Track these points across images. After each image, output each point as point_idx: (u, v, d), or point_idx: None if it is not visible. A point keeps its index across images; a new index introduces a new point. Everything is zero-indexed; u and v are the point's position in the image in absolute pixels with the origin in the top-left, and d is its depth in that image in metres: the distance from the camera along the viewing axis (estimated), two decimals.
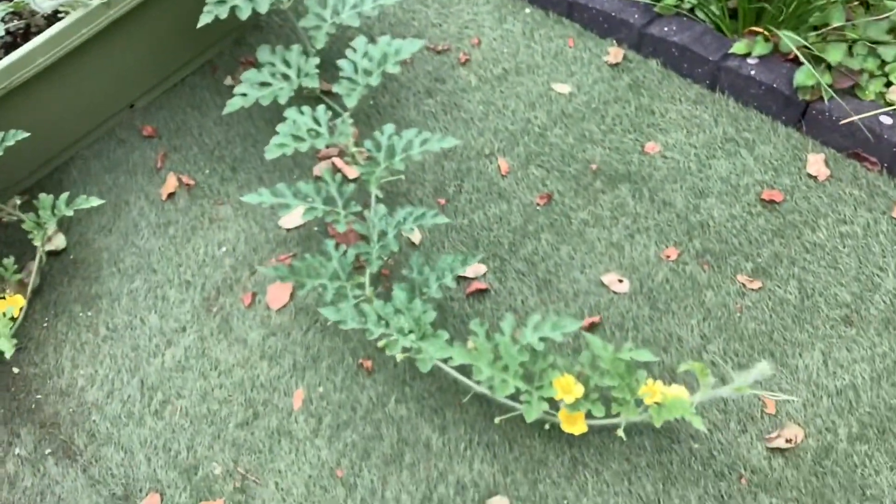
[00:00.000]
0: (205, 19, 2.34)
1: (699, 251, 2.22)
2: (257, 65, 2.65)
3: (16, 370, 2.11)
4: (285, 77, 2.43)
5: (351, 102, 2.34)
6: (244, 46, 2.83)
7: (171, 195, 2.47)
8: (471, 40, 2.74)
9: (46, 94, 2.33)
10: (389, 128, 2.24)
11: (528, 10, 2.80)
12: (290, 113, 2.32)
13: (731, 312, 2.10)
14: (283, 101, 2.36)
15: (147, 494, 1.90)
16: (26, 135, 2.09)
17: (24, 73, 2.20)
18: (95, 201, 2.15)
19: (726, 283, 2.15)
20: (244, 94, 2.37)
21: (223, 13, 2.36)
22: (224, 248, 2.34)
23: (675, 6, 2.59)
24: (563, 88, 2.59)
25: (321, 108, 2.33)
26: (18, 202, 2.30)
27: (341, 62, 2.41)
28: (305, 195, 2.19)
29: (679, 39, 2.53)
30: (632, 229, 2.27)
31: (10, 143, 2.05)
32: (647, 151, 2.42)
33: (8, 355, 1.92)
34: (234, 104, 2.34)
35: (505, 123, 2.53)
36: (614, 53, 2.64)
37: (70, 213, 2.14)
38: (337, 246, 2.09)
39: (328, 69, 2.57)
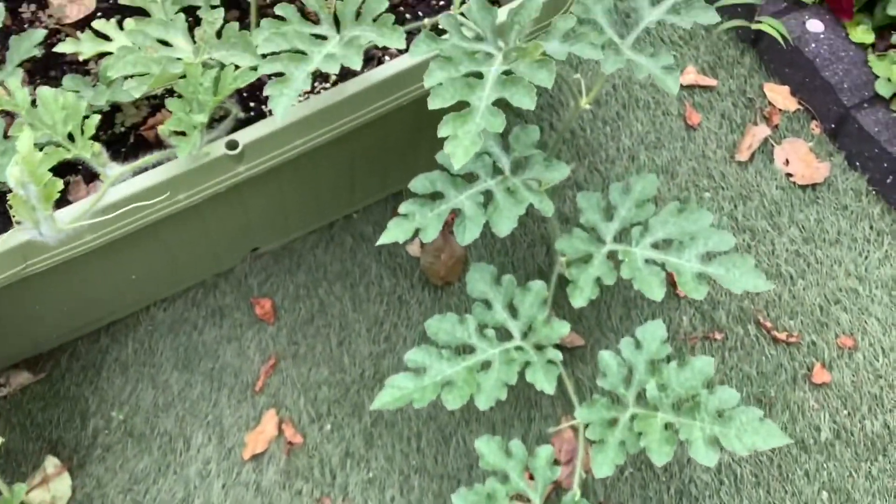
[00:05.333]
0: (385, 239, 1.26)
1: None
2: (455, 300, 1.59)
3: None
4: (503, 334, 1.35)
5: (604, 466, 1.23)
6: None
7: (256, 456, 1.47)
8: (839, 336, 1.53)
9: (108, 264, 1.34)
10: None
11: None
12: (488, 450, 1.25)
13: None
14: (484, 404, 1.28)
15: None
16: None
17: (71, 252, 1.21)
18: None
19: None
20: (421, 371, 1.30)
21: (403, 234, 1.27)
22: None
23: None
24: None
25: (545, 452, 1.24)
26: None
27: (604, 359, 1.29)
28: None
29: None
30: None
31: None
32: None
33: None
34: (392, 395, 1.28)
35: None
36: None
37: None
38: None
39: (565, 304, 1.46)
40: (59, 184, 0.93)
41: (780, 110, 1.76)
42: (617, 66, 1.26)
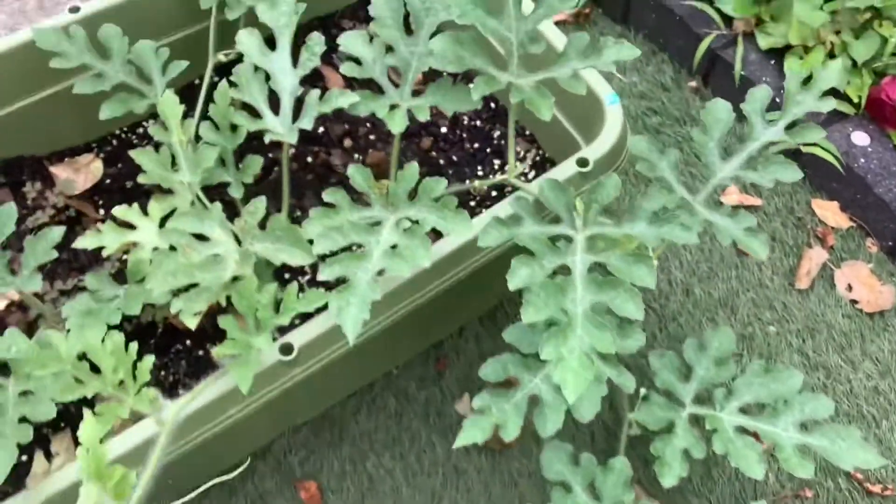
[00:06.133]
0: (462, 441, 1.13)
1: None
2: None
3: None
4: None
5: None
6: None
7: None
8: None
9: None
10: None
11: None
12: None
13: None
14: None
15: None
16: None
17: None
18: None
19: None
20: None
21: (482, 434, 1.15)
22: None
23: None
24: None
25: None
26: None
27: None
28: None
29: None
30: None
31: None
32: None
33: None
34: None
35: None
36: None
37: None
38: None
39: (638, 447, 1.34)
40: (133, 478, 0.80)
41: (832, 228, 1.68)
42: (693, 231, 1.16)
